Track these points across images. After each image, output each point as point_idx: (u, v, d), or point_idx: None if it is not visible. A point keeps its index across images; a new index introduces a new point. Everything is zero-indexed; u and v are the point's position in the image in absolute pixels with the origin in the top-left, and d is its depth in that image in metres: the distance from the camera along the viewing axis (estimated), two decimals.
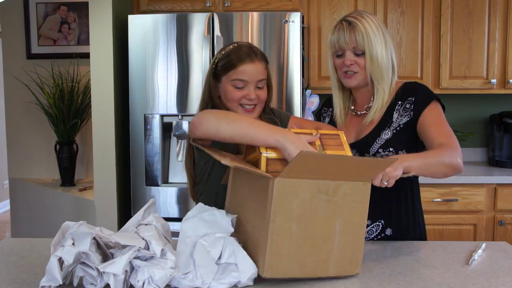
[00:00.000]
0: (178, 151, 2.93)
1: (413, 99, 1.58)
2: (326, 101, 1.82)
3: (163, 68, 2.84)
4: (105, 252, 1.19)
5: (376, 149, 1.59)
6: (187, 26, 2.82)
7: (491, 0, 3.10)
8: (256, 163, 1.32)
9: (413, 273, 1.29)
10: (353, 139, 1.64)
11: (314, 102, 3.02)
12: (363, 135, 1.62)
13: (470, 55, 3.14)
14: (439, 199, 2.87)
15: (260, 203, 1.21)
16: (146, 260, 1.17)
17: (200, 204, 1.32)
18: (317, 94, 3.05)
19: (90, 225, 1.21)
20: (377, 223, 1.61)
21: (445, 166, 1.43)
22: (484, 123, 3.51)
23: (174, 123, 2.87)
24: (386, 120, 1.60)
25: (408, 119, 1.58)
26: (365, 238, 1.59)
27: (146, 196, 2.87)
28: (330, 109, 1.76)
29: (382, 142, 1.59)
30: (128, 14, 2.93)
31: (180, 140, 2.93)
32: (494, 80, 3.11)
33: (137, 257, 1.16)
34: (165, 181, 2.92)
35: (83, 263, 1.15)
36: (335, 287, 1.21)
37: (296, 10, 3.07)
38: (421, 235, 1.67)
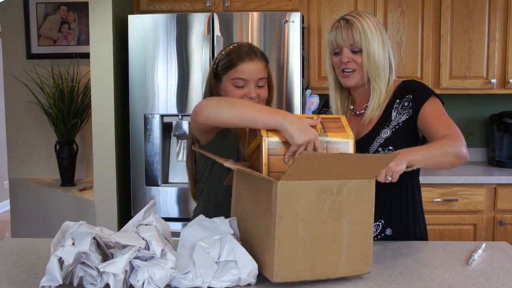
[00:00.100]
0: (178, 151, 2.93)
1: (411, 96, 1.58)
2: (326, 102, 1.82)
3: (163, 68, 2.84)
4: (105, 252, 1.19)
5: (376, 148, 1.59)
6: (187, 26, 2.82)
7: (491, 0, 3.10)
8: (258, 149, 1.31)
9: (413, 273, 1.29)
10: None
11: (314, 102, 3.02)
12: (363, 134, 1.62)
13: (470, 55, 3.14)
14: (439, 199, 2.87)
15: (264, 207, 1.20)
16: (146, 260, 1.17)
17: (200, 216, 1.33)
18: (317, 94, 3.05)
19: (90, 225, 1.21)
20: (377, 223, 1.61)
21: (450, 156, 1.41)
22: (484, 123, 3.51)
23: (174, 123, 2.87)
24: (385, 119, 1.61)
25: (407, 116, 1.58)
26: None
27: (146, 196, 2.87)
28: (330, 109, 1.76)
29: (382, 141, 1.59)
30: (128, 14, 2.93)
31: (180, 140, 2.93)
32: (494, 80, 3.11)
33: (137, 257, 1.16)
34: (165, 181, 2.92)
35: (83, 263, 1.15)
36: (334, 286, 1.21)
37: (296, 10, 3.07)
38: (422, 235, 1.67)
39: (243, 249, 1.21)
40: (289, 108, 2.77)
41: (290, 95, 2.78)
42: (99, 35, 2.87)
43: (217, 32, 2.79)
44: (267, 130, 1.30)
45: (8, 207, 4.91)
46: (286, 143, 1.29)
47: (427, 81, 3.13)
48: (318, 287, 1.21)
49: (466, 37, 3.13)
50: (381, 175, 1.30)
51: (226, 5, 3.12)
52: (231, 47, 1.62)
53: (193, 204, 1.88)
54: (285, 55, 2.77)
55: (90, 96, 3.07)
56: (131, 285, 1.15)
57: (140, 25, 2.84)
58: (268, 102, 1.66)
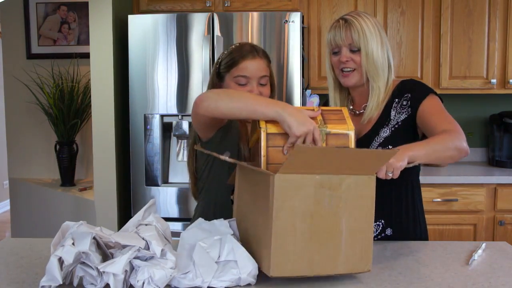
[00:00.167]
0: (178, 151, 2.93)
1: (410, 95, 1.59)
2: (326, 102, 1.82)
3: (163, 68, 2.84)
4: (105, 252, 1.19)
5: (375, 147, 1.59)
6: (187, 26, 2.82)
7: (491, 0, 3.10)
8: (258, 142, 1.31)
9: (413, 273, 1.29)
10: None
11: (314, 102, 3.02)
12: (362, 134, 1.63)
13: (470, 55, 3.14)
14: (439, 199, 2.87)
15: (263, 201, 1.20)
16: (146, 260, 1.17)
17: (200, 219, 1.33)
18: (317, 94, 3.05)
19: (90, 225, 1.21)
20: (377, 223, 1.61)
21: (451, 150, 1.41)
22: (484, 123, 3.51)
23: (174, 123, 2.87)
24: (384, 118, 1.61)
25: (406, 115, 1.58)
26: None
27: (146, 196, 2.87)
28: None
29: (381, 140, 1.59)
30: (128, 14, 2.93)
31: (180, 140, 2.93)
32: (494, 80, 3.11)
33: (137, 257, 1.16)
34: (165, 181, 2.92)
35: (83, 263, 1.15)
36: (334, 287, 1.21)
37: (296, 10, 3.07)
38: (422, 235, 1.66)
39: (243, 249, 1.21)
40: None
41: (290, 95, 2.78)
42: (99, 35, 2.87)
43: (217, 32, 2.79)
44: (267, 122, 1.30)
45: (8, 207, 4.92)
46: (285, 135, 1.28)
47: (427, 81, 3.13)
48: (318, 286, 1.21)
49: (466, 37, 3.13)
50: (381, 171, 1.30)
51: (226, 5, 3.12)
52: (233, 46, 1.64)
53: (193, 204, 1.89)
54: (285, 55, 2.77)
55: (90, 96, 3.08)
56: (131, 285, 1.15)
57: (140, 25, 2.84)
58: None
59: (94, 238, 1.16)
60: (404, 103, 1.59)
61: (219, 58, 1.65)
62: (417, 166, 1.69)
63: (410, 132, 1.59)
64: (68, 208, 3.20)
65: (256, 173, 1.26)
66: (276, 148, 1.22)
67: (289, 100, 2.77)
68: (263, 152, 1.28)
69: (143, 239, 1.18)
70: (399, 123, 1.59)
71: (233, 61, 1.58)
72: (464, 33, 3.13)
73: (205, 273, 1.17)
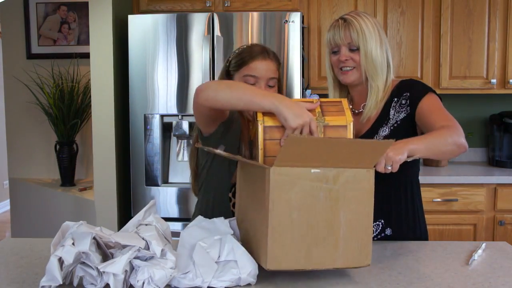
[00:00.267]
0: (178, 151, 2.93)
1: (408, 94, 1.59)
2: None
3: (163, 68, 2.84)
4: (105, 252, 1.19)
5: None
6: (187, 26, 2.82)
7: (491, 0, 3.10)
8: (255, 136, 1.31)
9: (413, 273, 1.29)
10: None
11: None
12: (361, 133, 1.63)
13: (470, 55, 3.14)
14: (439, 199, 2.87)
15: (260, 195, 1.19)
16: (146, 260, 1.17)
17: (199, 217, 1.33)
18: (317, 94, 3.05)
19: (90, 225, 1.21)
20: (377, 222, 1.61)
21: (450, 145, 1.41)
22: (484, 123, 3.51)
23: (174, 123, 2.87)
24: (383, 117, 1.61)
25: (405, 114, 1.59)
26: None
27: (146, 196, 2.87)
28: None
29: (380, 139, 1.59)
30: (128, 14, 2.93)
31: (180, 140, 2.93)
32: (494, 80, 3.11)
33: (137, 257, 1.16)
34: (165, 181, 2.92)
35: (83, 263, 1.15)
36: (334, 287, 1.21)
37: (296, 10, 3.07)
38: (422, 235, 1.67)
39: (243, 249, 1.21)
40: None
41: (290, 95, 2.78)
42: (99, 35, 2.87)
43: (217, 32, 2.79)
44: (264, 115, 1.30)
45: (8, 207, 4.92)
46: (282, 128, 1.28)
47: (427, 81, 3.13)
48: (318, 287, 1.21)
49: (466, 37, 3.13)
50: (380, 165, 1.29)
51: (226, 5, 3.12)
52: (244, 46, 1.65)
53: (193, 205, 1.89)
54: (285, 55, 2.77)
55: (90, 96, 3.08)
56: (131, 285, 1.15)
57: (140, 25, 2.84)
58: None
59: (94, 238, 1.16)
60: (403, 102, 1.59)
61: (229, 57, 1.66)
62: (417, 166, 1.69)
63: (409, 131, 1.59)
64: (68, 208, 3.20)
65: (254, 168, 1.26)
66: (273, 141, 1.22)
67: None
68: (260, 145, 1.28)
69: (143, 239, 1.18)
70: (398, 122, 1.59)
71: (243, 60, 1.60)
72: (464, 33, 3.13)
73: (205, 273, 1.17)
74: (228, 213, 1.60)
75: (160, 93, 2.84)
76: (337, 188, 1.19)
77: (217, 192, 1.65)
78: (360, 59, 1.58)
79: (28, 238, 1.60)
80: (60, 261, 1.13)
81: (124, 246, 1.17)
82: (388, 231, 1.61)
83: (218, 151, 1.31)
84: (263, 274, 1.22)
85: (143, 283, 1.13)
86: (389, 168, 1.30)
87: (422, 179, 1.70)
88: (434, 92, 1.60)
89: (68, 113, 3.26)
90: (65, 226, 1.23)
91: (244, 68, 1.59)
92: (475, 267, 1.34)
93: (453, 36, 3.13)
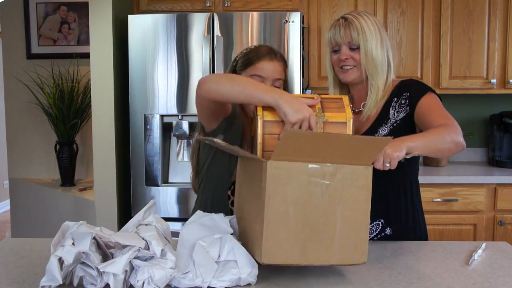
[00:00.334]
0: (178, 151, 2.93)
1: (408, 94, 1.60)
2: None
3: (163, 68, 2.84)
4: (105, 252, 1.19)
5: None
6: (187, 26, 2.82)
7: (491, 0, 3.10)
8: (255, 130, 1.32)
9: (413, 273, 1.29)
10: None
11: None
12: (361, 131, 1.64)
13: (470, 55, 3.14)
14: (439, 199, 2.87)
15: (257, 189, 1.19)
16: (146, 260, 1.17)
17: (198, 211, 1.33)
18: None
19: (90, 225, 1.21)
20: (377, 222, 1.61)
21: (449, 142, 1.41)
22: (484, 123, 3.51)
23: (174, 123, 2.87)
24: (383, 116, 1.61)
25: (405, 114, 1.59)
26: None
27: (146, 196, 2.87)
28: None
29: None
30: (128, 14, 2.93)
31: (180, 140, 2.93)
32: (494, 80, 3.11)
33: (137, 257, 1.16)
34: (165, 181, 2.92)
35: (83, 263, 1.15)
36: (334, 287, 1.21)
37: (296, 10, 3.07)
38: (422, 235, 1.67)
39: (243, 249, 1.21)
40: None
41: None
42: (99, 35, 2.87)
43: (217, 32, 2.79)
44: (264, 110, 1.30)
45: (8, 207, 4.92)
46: (282, 123, 1.28)
47: (427, 81, 3.13)
48: (317, 286, 1.21)
49: (466, 37, 3.13)
50: (378, 162, 1.28)
51: (226, 5, 3.12)
52: (252, 47, 1.67)
53: (192, 205, 1.89)
54: (285, 55, 2.77)
55: (90, 96, 3.08)
56: (131, 285, 1.15)
57: (140, 25, 2.84)
58: None
59: (94, 238, 1.16)
60: (403, 101, 1.60)
61: (236, 57, 1.67)
62: (417, 166, 1.70)
63: (408, 130, 1.59)
64: (68, 208, 3.20)
65: (252, 162, 1.25)
66: (272, 136, 1.22)
67: None
68: (259, 139, 1.29)
69: (143, 239, 1.18)
70: (398, 122, 1.59)
71: (249, 60, 1.61)
72: (464, 33, 3.13)
73: (205, 273, 1.17)
74: (226, 211, 1.60)
75: (160, 93, 2.84)
76: (334, 184, 1.18)
77: (216, 190, 1.65)
78: (360, 58, 1.58)
79: (28, 238, 1.60)
80: (60, 261, 1.13)
81: (124, 246, 1.17)
82: (388, 231, 1.61)
83: (217, 140, 1.32)
84: (263, 274, 1.22)
85: (143, 283, 1.13)
86: (387, 165, 1.30)
87: (422, 179, 1.70)
88: (434, 91, 1.60)
89: (68, 113, 3.26)
90: (65, 226, 1.23)
91: (250, 68, 1.60)
92: (475, 267, 1.34)
93: (453, 36, 3.13)
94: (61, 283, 1.13)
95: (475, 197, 2.88)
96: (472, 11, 3.12)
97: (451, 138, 1.41)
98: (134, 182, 2.90)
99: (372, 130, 1.62)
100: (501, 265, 1.35)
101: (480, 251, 1.43)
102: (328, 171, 1.18)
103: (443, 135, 1.41)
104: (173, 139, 2.95)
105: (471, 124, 3.49)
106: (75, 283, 1.18)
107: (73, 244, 1.14)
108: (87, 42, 3.29)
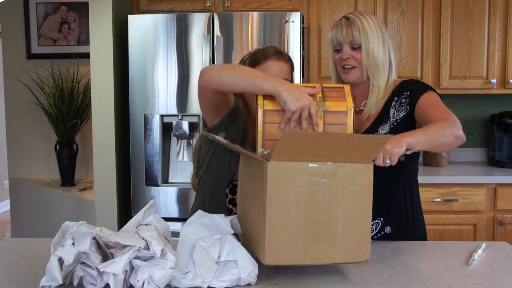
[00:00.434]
0: (178, 151, 2.93)
1: (408, 93, 1.60)
2: None
3: (163, 68, 2.84)
4: (105, 252, 1.19)
5: None
6: (187, 26, 2.82)
7: (491, 0, 3.10)
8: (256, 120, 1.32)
9: (413, 273, 1.29)
10: None
11: None
12: (361, 130, 1.64)
13: (470, 55, 3.14)
14: (439, 199, 2.87)
15: (258, 190, 1.19)
16: (146, 260, 1.17)
17: (199, 211, 1.33)
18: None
19: (90, 225, 1.21)
20: (377, 220, 1.61)
21: (448, 136, 1.41)
22: (484, 123, 3.51)
23: (174, 123, 2.87)
24: (383, 115, 1.62)
25: (405, 113, 1.59)
26: None
27: (146, 196, 2.87)
28: None
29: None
30: (128, 14, 2.93)
31: (180, 140, 2.93)
32: (494, 80, 3.11)
33: (137, 257, 1.16)
34: (165, 181, 2.92)
35: (83, 263, 1.15)
36: (334, 286, 1.21)
37: (296, 10, 3.07)
38: (421, 235, 1.67)
39: (243, 249, 1.21)
40: None
41: None
42: (99, 35, 2.87)
43: (217, 32, 2.79)
44: (264, 99, 1.30)
45: (8, 207, 4.92)
46: (282, 112, 1.28)
47: (427, 81, 3.13)
48: (318, 286, 1.21)
49: (466, 37, 3.13)
50: (378, 159, 1.28)
51: (226, 5, 3.12)
52: (260, 48, 1.68)
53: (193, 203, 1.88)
54: None
55: (90, 96, 3.08)
56: (131, 285, 1.15)
57: (140, 25, 2.84)
58: None
59: (94, 238, 1.16)
60: (403, 101, 1.60)
61: (244, 57, 1.68)
62: (416, 166, 1.70)
63: (408, 129, 1.59)
64: (68, 208, 3.20)
65: (253, 162, 1.25)
66: (273, 125, 1.22)
67: None
68: (259, 128, 1.29)
69: (143, 239, 1.18)
70: (398, 121, 1.60)
71: (256, 60, 1.62)
72: (464, 33, 3.13)
73: (205, 273, 1.17)
74: (223, 209, 1.60)
75: (160, 93, 2.84)
76: (335, 183, 1.18)
77: (214, 188, 1.65)
78: (361, 57, 1.58)
79: (28, 238, 1.60)
80: (60, 261, 1.13)
81: (124, 246, 1.17)
82: (388, 229, 1.62)
83: (218, 137, 1.32)
84: (264, 274, 1.22)
85: (143, 283, 1.13)
86: (388, 161, 1.30)
87: (422, 179, 1.70)
88: (434, 90, 1.60)
89: (68, 113, 3.26)
90: (65, 226, 1.23)
91: (257, 67, 1.60)
92: (475, 267, 1.34)
93: (453, 36, 3.13)
94: (61, 283, 1.13)
95: (475, 197, 2.88)
96: (472, 11, 3.12)
97: (451, 132, 1.42)
98: (134, 182, 2.90)
99: (372, 129, 1.62)
100: (501, 265, 1.35)
101: (480, 251, 1.43)
102: (329, 170, 1.18)
103: (442, 129, 1.41)
104: (173, 139, 2.95)
105: (471, 124, 3.49)
106: (75, 283, 1.18)
107: (73, 244, 1.14)
108: (87, 42, 3.29)
